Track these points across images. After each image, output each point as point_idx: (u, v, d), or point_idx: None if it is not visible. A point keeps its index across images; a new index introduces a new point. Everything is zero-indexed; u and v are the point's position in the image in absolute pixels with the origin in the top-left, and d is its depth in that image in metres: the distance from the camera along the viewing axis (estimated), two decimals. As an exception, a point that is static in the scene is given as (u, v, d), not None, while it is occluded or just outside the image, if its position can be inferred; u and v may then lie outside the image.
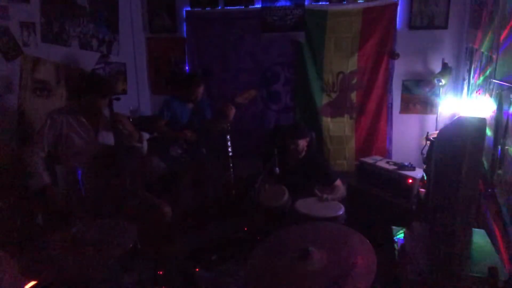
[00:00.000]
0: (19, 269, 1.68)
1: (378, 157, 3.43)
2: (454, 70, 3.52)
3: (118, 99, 2.65)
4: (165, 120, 3.30)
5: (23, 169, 2.40)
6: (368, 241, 1.67)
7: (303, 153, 3.02)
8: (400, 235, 2.15)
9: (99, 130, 2.60)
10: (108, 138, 2.60)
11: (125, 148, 2.59)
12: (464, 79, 3.26)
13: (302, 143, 2.96)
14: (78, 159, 2.47)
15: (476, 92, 2.78)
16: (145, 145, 2.78)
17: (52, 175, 2.50)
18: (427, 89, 3.70)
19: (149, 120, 3.58)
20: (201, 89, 3.36)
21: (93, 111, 2.56)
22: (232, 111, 3.17)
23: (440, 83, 3.39)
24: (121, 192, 2.51)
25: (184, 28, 4.14)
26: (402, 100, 3.82)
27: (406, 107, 3.83)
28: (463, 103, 3.17)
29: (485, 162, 2.26)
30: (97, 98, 2.51)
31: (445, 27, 3.55)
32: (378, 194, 3.12)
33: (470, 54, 3.06)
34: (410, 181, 2.93)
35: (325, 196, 2.79)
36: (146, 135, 2.84)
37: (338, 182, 3.04)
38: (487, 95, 2.41)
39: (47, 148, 2.45)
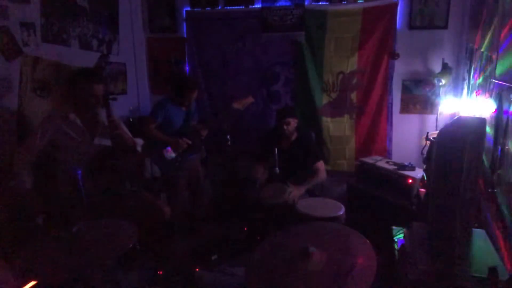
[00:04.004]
0: (19, 269, 1.68)
1: (378, 157, 3.43)
2: (454, 70, 3.52)
3: (115, 99, 2.63)
4: (156, 123, 3.22)
5: (10, 168, 2.40)
6: (368, 241, 1.67)
7: (294, 136, 3.18)
8: (400, 235, 2.16)
9: (95, 135, 2.57)
10: (104, 141, 2.58)
11: (121, 149, 2.57)
12: (464, 79, 3.26)
13: (292, 121, 3.13)
14: (75, 162, 2.46)
15: (476, 92, 2.78)
16: (138, 149, 2.77)
17: (51, 176, 2.50)
18: (427, 89, 3.71)
19: (141, 121, 3.53)
20: (194, 94, 3.32)
21: (91, 104, 2.51)
22: (205, 133, 3.34)
23: (440, 83, 3.39)
24: (119, 193, 2.50)
25: (184, 28, 4.14)
26: (402, 100, 3.82)
27: (406, 107, 3.83)
28: (463, 103, 3.17)
29: (485, 162, 2.26)
30: (89, 85, 2.47)
31: (445, 27, 3.55)
32: (378, 194, 3.13)
33: (470, 54, 3.06)
34: (410, 181, 2.93)
35: (289, 190, 2.83)
36: (140, 141, 2.82)
37: (318, 165, 3.12)
38: (487, 95, 2.41)
39: (35, 156, 2.43)
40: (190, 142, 3.25)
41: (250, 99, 3.38)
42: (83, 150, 2.51)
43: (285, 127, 3.09)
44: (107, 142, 2.56)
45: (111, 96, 2.60)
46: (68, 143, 2.48)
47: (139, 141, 2.82)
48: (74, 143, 2.50)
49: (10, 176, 2.39)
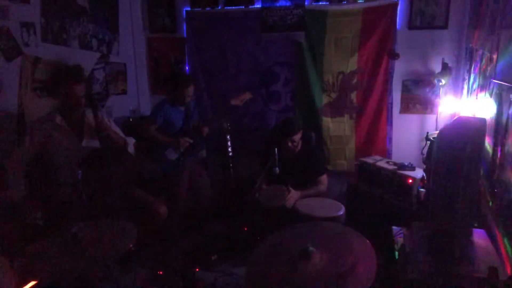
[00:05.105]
0: (19, 269, 1.68)
1: (378, 157, 3.43)
2: (454, 70, 3.52)
3: (98, 99, 2.58)
4: (156, 124, 3.21)
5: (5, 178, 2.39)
6: (368, 241, 1.67)
7: (299, 146, 3.08)
8: (400, 235, 2.16)
9: (83, 137, 2.55)
10: (93, 142, 2.56)
11: (111, 150, 2.55)
12: (464, 79, 3.26)
13: (297, 137, 3.02)
14: (67, 165, 2.45)
15: (476, 92, 2.78)
16: (130, 149, 2.75)
17: (48, 179, 2.49)
18: (427, 89, 3.70)
19: (141, 124, 3.52)
20: (189, 90, 3.25)
21: (73, 105, 2.48)
22: (206, 130, 3.32)
23: (440, 83, 3.39)
24: (112, 194, 2.48)
25: (184, 28, 4.14)
26: (402, 100, 3.82)
27: (406, 107, 3.82)
28: (463, 103, 3.17)
29: (485, 162, 2.25)
30: (68, 86, 2.43)
31: (445, 27, 3.55)
32: (378, 194, 3.12)
33: (470, 54, 3.06)
34: (410, 181, 2.93)
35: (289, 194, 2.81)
36: (132, 140, 2.80)
37: (322, 178, 3.07)
38: (487, 95, 2.41)
39: (27, 162, 2.42)
40: (191, 141, 3.25)
41: (248, 95, 3.38)
42: (72, 153, 2.48)
43: (289, 144, 2.99)
44: (96, 143, 2.53)
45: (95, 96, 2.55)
46: (57, 147, 2.46)
47: (131, 141, 2.79)
48: (62, 146, 2.48)
49: (4, 185, 2.38)
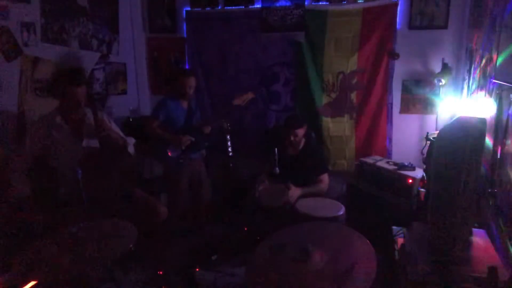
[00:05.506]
0: (19, 269, 1.68)
1: (378, 157, 3.43)
2: (454, 70, 3.52)
3: (98, 100, 2.57)
4: (158, 121, 3.21)
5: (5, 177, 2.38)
6: (368, 241, 1.67)
7: (302, 143, 3.07)
8: (400, 235, 2.16)
9: (83, 137, 2.54)
10: (92, 142, 2.55)
11: (111, 150, 2.55)
12: (464, 79, 3.26)
13: (301, 132, 3.01)
14: (66, 165, 2.45)
15: (476, 92, 2.78)
16: (130, 149, 2.74)
17: (50, 179, 2.49)
18: (427, 89, 3.70)
19: (142, 121, 3.52)
20: (190, 80, 3.25)
21: (73, 106, 2.48)
22: (207, 129, 3.34)
23: (440, 83, 3.39)
24: (111, 194, 2.48)
25: (184, 28, 4.14)
26: (402, 100, 3.81)
27: (406, 107, 3.82)
28: (463, 103, 3.17)
29: (485, 162, 2.25)
30: (70, 88, 2.43)
31: (445, 27, 3.55)
32: (378, 194, 3.12)
33: (470, 54, 3.06)
34: (410, 181, 2.93)
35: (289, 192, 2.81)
36: (131, 140, 2.80)
37: (323, 177, 3.06)
38: (487, 95, 2.41)
39: (30, 162, 2.41)
40: (193, 139, 3.25)
41: (250, 95, 3.38)
42: (72, 153, 2.48)
43: (292, 138, 3.00)
44: (96, 143, 2.53)
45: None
46: (57, 147, 2.46)
47: (131, 141, 2.79)
48: (62, 146, 2.48)
49: (7, 185, 2.37)
